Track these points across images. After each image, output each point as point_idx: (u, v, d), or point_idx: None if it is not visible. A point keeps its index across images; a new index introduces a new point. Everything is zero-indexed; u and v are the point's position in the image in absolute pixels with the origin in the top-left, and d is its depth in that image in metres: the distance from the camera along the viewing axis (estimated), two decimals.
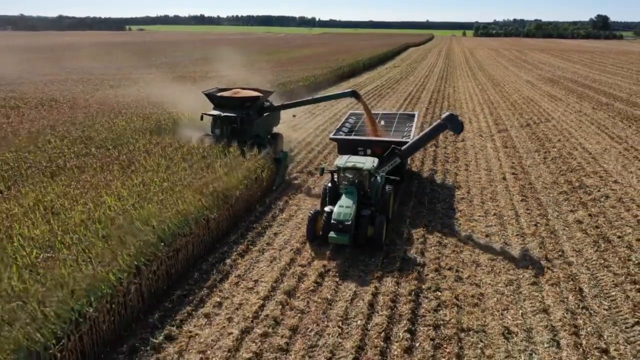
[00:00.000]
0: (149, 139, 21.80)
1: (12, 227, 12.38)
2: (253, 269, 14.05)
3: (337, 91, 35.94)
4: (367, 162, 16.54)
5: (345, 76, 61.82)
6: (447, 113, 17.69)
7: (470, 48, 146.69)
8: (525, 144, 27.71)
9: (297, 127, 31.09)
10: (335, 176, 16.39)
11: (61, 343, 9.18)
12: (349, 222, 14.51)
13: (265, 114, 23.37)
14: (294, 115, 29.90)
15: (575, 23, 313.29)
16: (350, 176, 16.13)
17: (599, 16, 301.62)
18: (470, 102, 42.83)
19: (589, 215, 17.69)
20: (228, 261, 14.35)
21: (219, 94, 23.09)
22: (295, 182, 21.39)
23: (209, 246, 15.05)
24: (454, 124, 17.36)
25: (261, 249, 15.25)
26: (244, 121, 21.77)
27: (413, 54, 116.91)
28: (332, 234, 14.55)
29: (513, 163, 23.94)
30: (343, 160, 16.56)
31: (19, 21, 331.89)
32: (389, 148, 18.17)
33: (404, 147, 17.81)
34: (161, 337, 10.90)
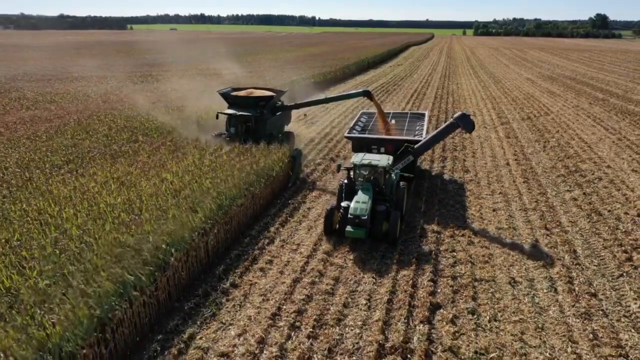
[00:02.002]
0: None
1: (96, 197, 14.65)
2: (294, 235, 16.37)
3: (346, 88, 37.73)
4: (382, 159, 16.95)
5: (351, 74, 64.06)
6: (459, 113, 18.56)
7: (470, 47, 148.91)
8: (526, 134, 30.04)
9: (313, 120, 33.33)
10: (351, 173, 16.91)
11: (155, 282, 11.47)
12: (365, 217, 15.06)
13: (278, 113, 24.13)
14: (304, 115, 32.04)
15: (574, 22, 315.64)
16: (366, 173, 16.65)
17: (598, 15, 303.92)
18: (474, 98, 45.16)
19: (584, 193, 20.01)
20: (272, 229, 16.67)
21: (233, 94, 23.75)
22: (319, 168, 23.63)
23: (254, 217, 17.35)
24: (465, 122, 18.06)
25: (298, 220, 17.56)
26: (258, 120, 22.50)
27: (415, 53, 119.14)
28: (348, 228, 15.09)
29: (515, 151, 26.25)
30: (359, 158, 17.01)
31: (20, 20, 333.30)
32: (401, 146, 18.75)
33: (416, 146, 18.48)
34: (227, 284, 13.21)
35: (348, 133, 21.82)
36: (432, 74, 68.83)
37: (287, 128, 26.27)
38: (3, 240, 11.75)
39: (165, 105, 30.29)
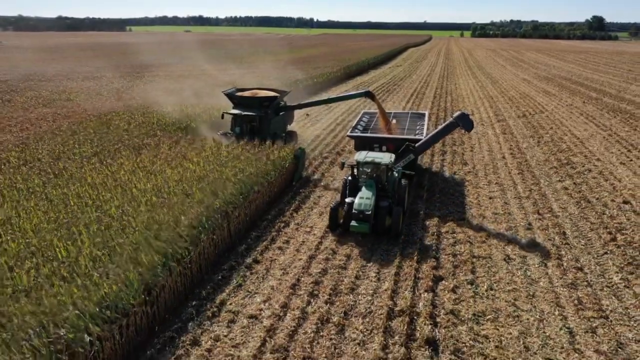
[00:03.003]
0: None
1: (127, 183, 16.07)
2: (307, 219, 17.81)
3: (347, 89, 38.57)
4: (385, 157, 17.51)
5: (353, 74, 65.57)
6: (458, 112, 19.49)
7: (468, 48, 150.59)
8: (522, 130, 31.55)
9: (317, 117, 34.79)
10: (355, 170, 17.46)
11: (190, 255, 12.89)
12: (369, 212, 15.64)
13: (281, 113, 24.90)
14: (307, 115, 33.35)
15: (571, 24, 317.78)
16: (368, 170, 17.22)
17: (594, 17, 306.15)
18: (472, 97, 46.69)
19: (574, 183, 21.50)
20: (286, 214, 18.12)
21: (238, 94, 24.38)
22: (326, 161, 25.06)
23: (270, 203, 18.80)
24: (465, 122, 19.03)
25: (310, 207, 19.00)
26: (262, 120, 23.18)
27: (414, 54, 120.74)
28: (353, 222, 15.70)
29: (511, 146, 27.75)
30: (362, 156, 17.57)
31: (19, 22, 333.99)
32: (402, 145, 19.36)
33: (417, 144, 19.23)
34: (250, 260, 14.64)
35: (350, 132, 22.60)
36: (431, 74, 70.37)
37: (289, 127, 27.24)
38: (53, 218, 13.15)
39: (180, 103, 31.75)
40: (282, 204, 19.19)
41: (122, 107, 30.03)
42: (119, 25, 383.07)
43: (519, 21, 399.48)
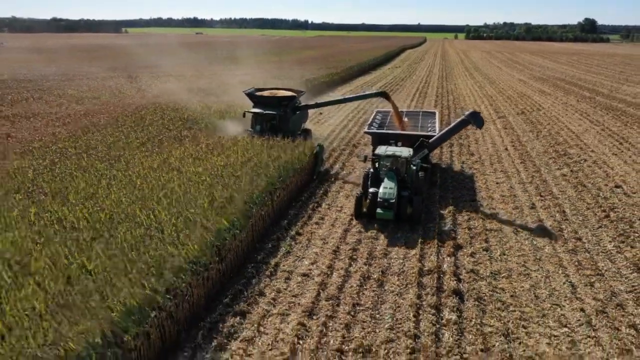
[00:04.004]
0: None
1: (180, 168, 18.21)
2: (336, 200, 20.03)
3: (351, 89, 39.97)
4: (404, 151, 18.95)
5: (355, 75, 67.87)
6: (470, 110, 21.16)
7: (463, 50, 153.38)
8: (521, 126, 33.94)
9: (329, 115, 37.03)
10: (377, 163, 18.81)
11: (246, 225, 15.06)
12: (393, 200, 17.03)
13: (297, 112, 26.12)
14: (320, 113, 35.46)
15: (564, 26, 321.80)
16: (388, 163, 18.52)
17: (586, 20, 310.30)
18: (472, 96, 49.13)
19: (571, 171, 23.86)
20: (317, 196, 20.34)
21: (258, 94, 25.70)
22: (344, 153, 27.27)
23: (301, 187, 20.98)
24: (476, 119, 20.74)
25: (337, 190, 21.24)
26: (282, 118, 24.47)
27: (411, 56, 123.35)
28: (379, 210, 17.09)
29: (512, 139, 30.11)
30: (383, 150, 18.98)
31: (13, 23, 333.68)
32: (416, 141, 20.58)
33: (431, 140, 20.56)
34: (293, 232, 16.84)
35: (368, 129, 24.24)
36: (430, 75, 72.81)
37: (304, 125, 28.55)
38: (130, 194, 15.30)
39: (201, 101, 33.88)
40: (311, 188, 21.39)
41: (149, 104, 32.06)
42: (115, 27, 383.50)
43: (512, 23, 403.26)
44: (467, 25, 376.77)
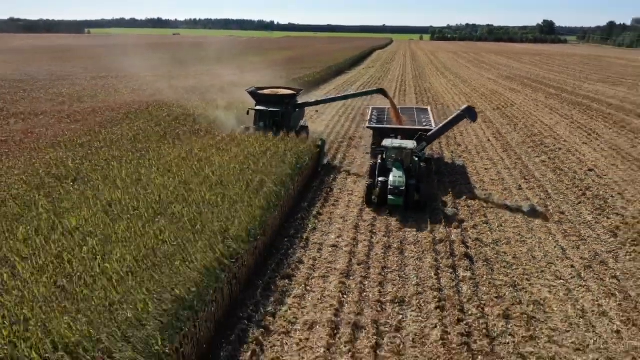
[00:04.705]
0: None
1: (208, 158, 19.93)
2: (346, 185, 22.11)
3: (332, 88, 41.20)
4: (409, 143, 20.25)
5: (333, 75, 70.00)
6: (465, 106, 22.90)
7: (431, 51, 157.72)
8: (499, 120, 36.80)
9: (321, 111, 39.03)
10: (383, 154, 20.07)
11: (278, 204, 16.96)
12: (403, 188, 18.41)
13: (297, 109, 27.32)
14: (316, 110, 37.42)
15: (524, 28, 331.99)
16: (394, 155, 19.86)
17: (545, 22, 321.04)
18: (449, 94, 52.02)
19: (549, 158, 26.61)
20: (328, 182, 22.37)
21: (260, 92, 26.81)
22: (343, 145, 29.36)
23: (314, 174, 22.93)
24: (471, 114, 22.34)
25: (344, 177, 23.32)
26: (284, 115, 25.55)
27: (381, 56, 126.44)
28: (390, 196, 18.48)
29: (493, 131, 32.84)
30: (390, 142, 20.28)
31: None
32: (415, 134, 21.85)
33: (429, 134, 21.93)
34: (315, 212, 18.81)
35: (369, 124, 26.08)
36: (404, 74, 75.68)
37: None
38: (171, 179, 16.98)
39: (200, 99, 35.42)
40: (320, 177, 23.36)
41: (150, 102, 33.43)
42: (76, 27, 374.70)
43: (474, 25, 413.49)
44: (431, 27, 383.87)
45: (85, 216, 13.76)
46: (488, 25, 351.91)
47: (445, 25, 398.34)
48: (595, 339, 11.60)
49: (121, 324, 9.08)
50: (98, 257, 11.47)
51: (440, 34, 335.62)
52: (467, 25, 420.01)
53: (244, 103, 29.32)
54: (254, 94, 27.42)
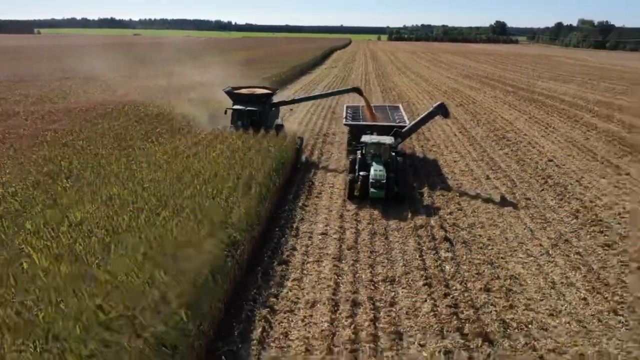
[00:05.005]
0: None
1: (194, 154, 20.56)
2: (326, 178, 23.21)
3: (300, 87, 42.11)
4: (387, 139, 21.28)
5: (298, 74, 71.01)
6: (438, 102, 24.26)
7: (390, 51, 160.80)
8: (463, 116, 38.70)
9: (294, 110, 39.95)
10: (363, 150, 21.06)
11: (266, 202, 17.84)
12: (384, 181, 19.36)
13: (273, 108, 27.95)
14: (291, 109, 38.35)
15: (477, 28, 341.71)
16: (372, 150, 20.95)
17: (497, 22, 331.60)
18: (412, 92, 53.89)
19: (511, 150, 28.47)
20: (309, 176, 23.37)
21: (236, 92, 27.34)
22: (318, 141, 30.41)
23: (293, 171, 23.88)
24: (443, 110, 23.66)
25: (324, 171, 24.38)
26: (261, 114, 26.26)
27: (342, 56, 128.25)
28: (372, 189, 19.40)
29: (458, 127, 34.63)
30: (369, 138, 21.38)
31: None
32: (390, 131, 23.01)
33: (403, 130, 23.10)
34: (300, 204, 19.79)
35: (346, 122, 27.18)
36: (367, 74, 77.42)
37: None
38: (164, 174, 17.59)
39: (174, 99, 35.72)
40: (301, 172, 24.30)
41: (123, 102, 33.56)
42: (25, 27, 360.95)
43: (429, 25, 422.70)
44: (388, 27, 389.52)
45: (89, 210, 14.25)
46: (443, 26, 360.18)
47: (401, 25, 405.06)
48: (565, 306, 13.07)
49: (149, 303, 9.82)
50: (112, 245, 12.08)
51: (397, 34, 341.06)
52: (423, 25, 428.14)
53: (220, 102, 29.91)
54: (230, 93, 27.94)
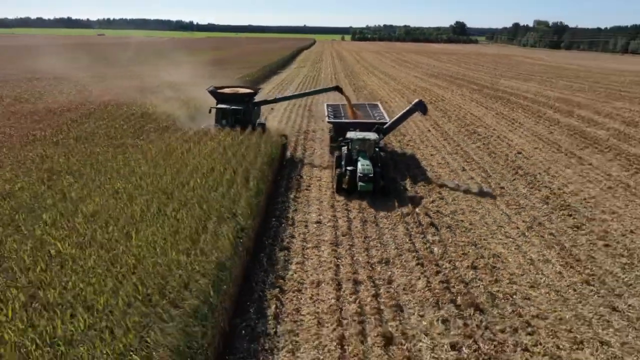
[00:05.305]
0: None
1: (187, 150, 21.31)
2: (312, 173, 24.26)
3: (273, 87, 43.00)
4: (372, 135, 22.42)
5: (268, 74, 71.73)
6: (416, 100, 25.70)
7: (355, 51, 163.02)
8: (434, 112, 40.39)
9: (273, 108, 40.80)
10: (348, 145, 21.98)
11: (264, 186, 18.82)
12: (372, 175, 20.33)
13: (255, 107, 29.52)
14: (272, 108, 39.23)
15: (438, 29, 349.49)
16: (357, 146, 21.89)
17: (457, 23, 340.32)
18: (383, 90, 55.55)
19: (483, 144, 30.25)
20: (297, 171, 24.39)
21: (219, 91, 27.97)
22: (300, 137, 31.45)
23: (280, 166, 24.85)
24: (422, 107, 25.21)
25: (310, 166, 25.43)
26: (245, 113, 26.98)
27: (310, 56, 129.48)
28: (361, 183, 20.26)
29: (431, 123, 36.30)
30: (354, 134, 22.38)
31: None
32: (372, 128, 23.91)
33: (385, 126, 24.42)
34: (292, 196, 20.80)
35: (329, 119, 28.22)
36: (337, 73, 78.81)
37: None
38: (163, 170, 18.32)
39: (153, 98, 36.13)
40: (288, 167, 25.32)
41: (104, 102, 33.78)
42: None
43: (391, 25, 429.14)
44: (351, 27, 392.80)
45: (99, 203, 14.93)
46: (405, 26, 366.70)
47: (364, 25, 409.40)
48: (544, 279, 14.57)
49: (178, 282, 10.71)
50: (132, 233, 12.86)
51: (360, 35, 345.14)
52: (385, 26, 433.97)
53: (201, 102, 30.66)
54: (214, 93, 28.58)
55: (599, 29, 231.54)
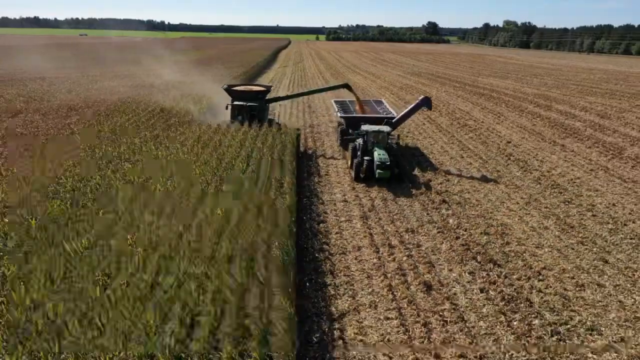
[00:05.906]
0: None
1: (220, 138, 23.45)
2: (327, 162, 26.63)
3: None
4: (384, 127, 24.58)
5: (255, 74, 73.62)
6: (422, 96, 28.49)
7: (333, 51, 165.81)
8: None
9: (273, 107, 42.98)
10: (364, 137, 24.01)
11: (291, 168, 21.14)
12: (389, 163, 22.33)
13: (267, 104, 31.68)
14: (279, 105, 41.40)
15: (411, 29, 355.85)
16: (372, 138, 23.76)
17: (430, 23, 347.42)
18: (371, 88, 58.28)
19: (475, 135, 33.16)
20: (313, 160, 26.73)
21: (234, 89, 30.08)
22: (310, 129, 33.75)
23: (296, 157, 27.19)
24: (427, 103, 28.15)
25: (322, 156, 27.80)
26: (260, 109, 29.05)
27: (290, 56, 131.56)
28: (379, 171, 22.07)
29: (424, 117, 39.09)
30: (369, 127, 24.39)
31: None
32: (381, 122, 26.17)
33: (393, 120, 26.78)
34: (315, 180, 23.17)
35: (340, 115, 30.39)
36: (322, 72, 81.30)
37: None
38: (194, 156, 20.45)
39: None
40: (304, 157, 27.64)
41: (120, 99, 35.47)
42: None
43: (364, 25, 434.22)
44: (324, 27, 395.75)
45: (163, 185, 17.04)
46: (378, 26, 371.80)
47: (337, 25, 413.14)
48: (546, 241, 17.32)
49: (259, 238, 13.06)
50: (207, 207, 15.06)
51: (335, 35, 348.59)
52: (358, 25, 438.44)
53: (215, 98, 32.76)
54: (229, 90, 30.57)
55: (565, 29, 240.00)
